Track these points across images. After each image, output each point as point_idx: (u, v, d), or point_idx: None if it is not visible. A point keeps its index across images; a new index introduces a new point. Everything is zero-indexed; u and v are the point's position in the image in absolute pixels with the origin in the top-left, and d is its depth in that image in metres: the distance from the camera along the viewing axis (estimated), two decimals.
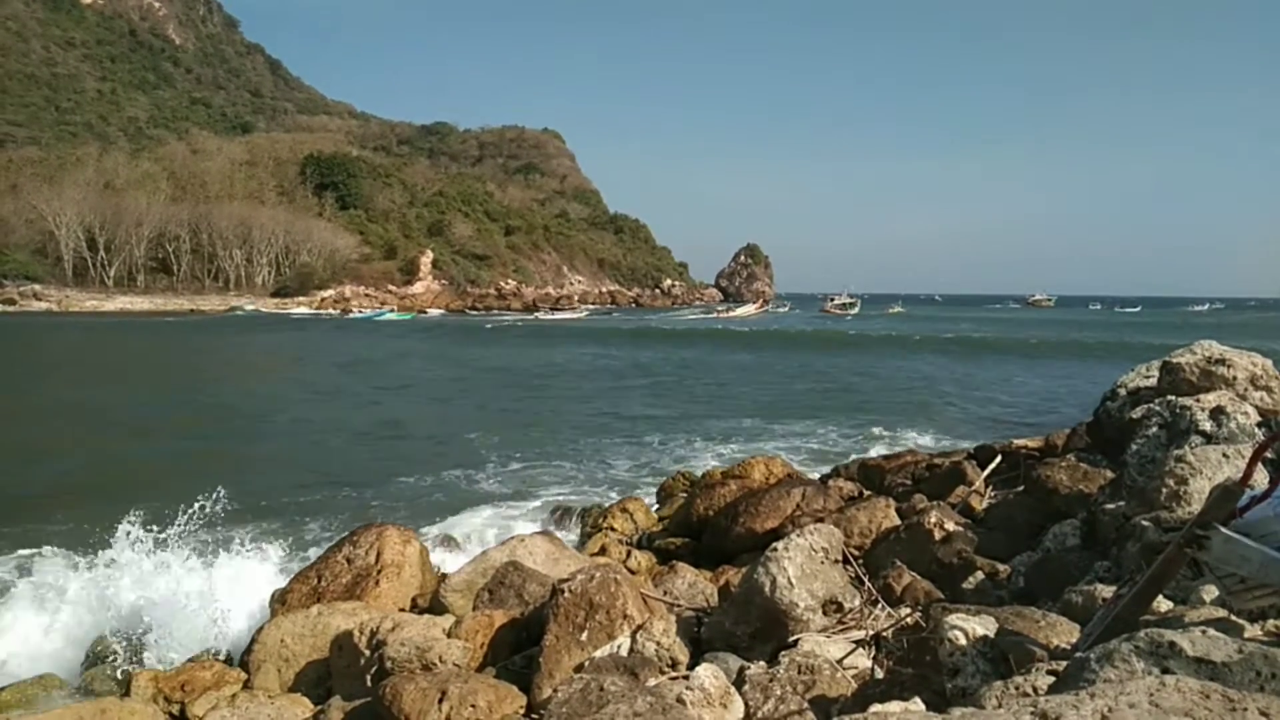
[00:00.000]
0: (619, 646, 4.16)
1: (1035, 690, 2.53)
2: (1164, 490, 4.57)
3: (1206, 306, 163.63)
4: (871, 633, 4.10)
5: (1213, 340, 7.09)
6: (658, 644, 4.13)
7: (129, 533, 8.95)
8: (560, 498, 12.33)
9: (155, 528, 10.76)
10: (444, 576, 6.86)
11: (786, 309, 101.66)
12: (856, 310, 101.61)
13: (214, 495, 12.46)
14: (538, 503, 12.15)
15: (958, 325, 72.31)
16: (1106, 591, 3.72)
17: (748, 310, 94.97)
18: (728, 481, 9.60)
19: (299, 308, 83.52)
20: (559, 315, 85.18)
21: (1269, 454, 3.66)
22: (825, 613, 4.40)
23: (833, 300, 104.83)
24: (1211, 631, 2.34)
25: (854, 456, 13.74)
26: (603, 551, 8.34)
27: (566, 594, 4.41)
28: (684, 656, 4.18)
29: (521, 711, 4.03)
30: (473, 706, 3.88)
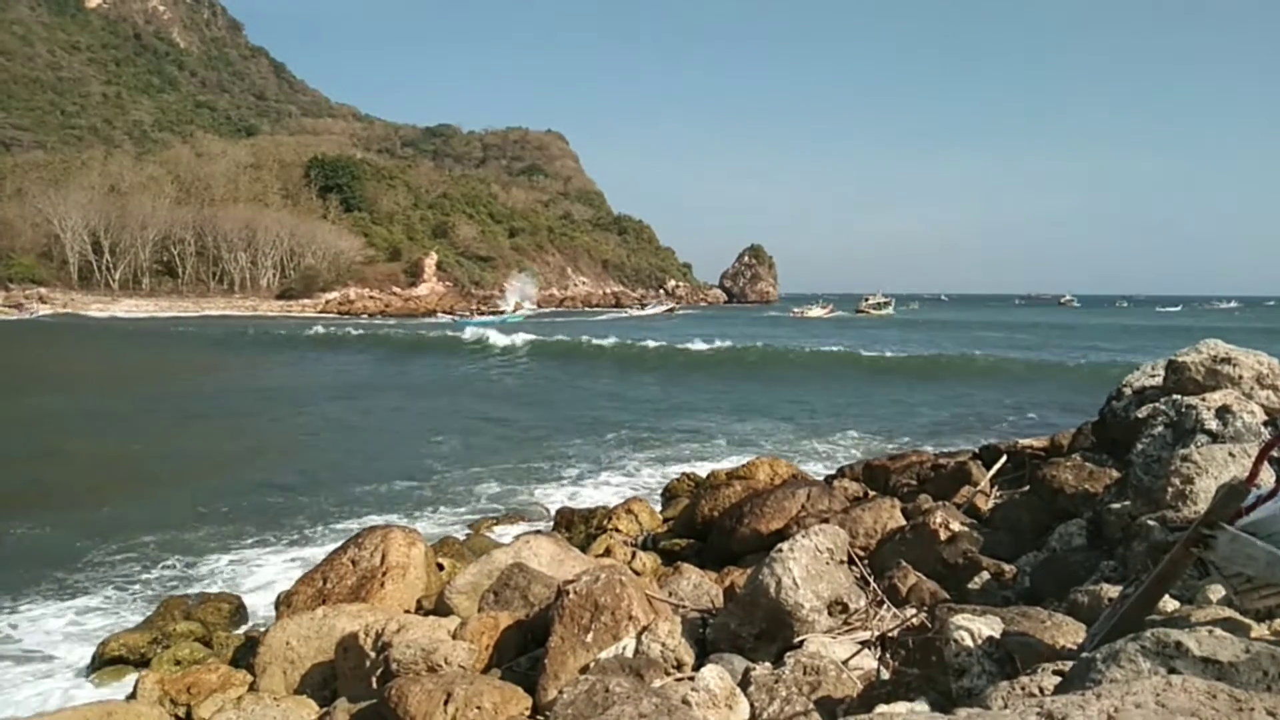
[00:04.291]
0: (624, 648, 4.16)
1: (1041, 690, 2.53)
2: (1170, 489, 4.56)
3: (1233, 304, 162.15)
4: (877, 633, 4.09)
5: (1219, 340, 7.06)
6: (663, 645, 4.12)
7: (142, 531, 8.98)
8: (565, 500, 12.35)
9: (166, 528, 10.83)
10: (449, 578, 6.86)
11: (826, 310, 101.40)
12: (890, 310, 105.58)
13: (219, 498, 12.53)
14: (543, 504, 12.16)
15: (1038, 336, 60.51)
16: (1112, 591, 3.70)
17: (819, 312, 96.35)
18: (732, 482, 9.60)
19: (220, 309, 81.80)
20: (648, 311, 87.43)
21: (1275, 453, 3.65)
22: (831, 613, 4.40)
23: (867, 300, 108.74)
24: (1218, 631, 2.34)
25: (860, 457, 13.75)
26: (608, 553, 8.34)
27: (571, 595, 4.41)
28: (689, 658, 4.18)
29: (527, 713, 4.03)
30: (478, 708, 3.88)
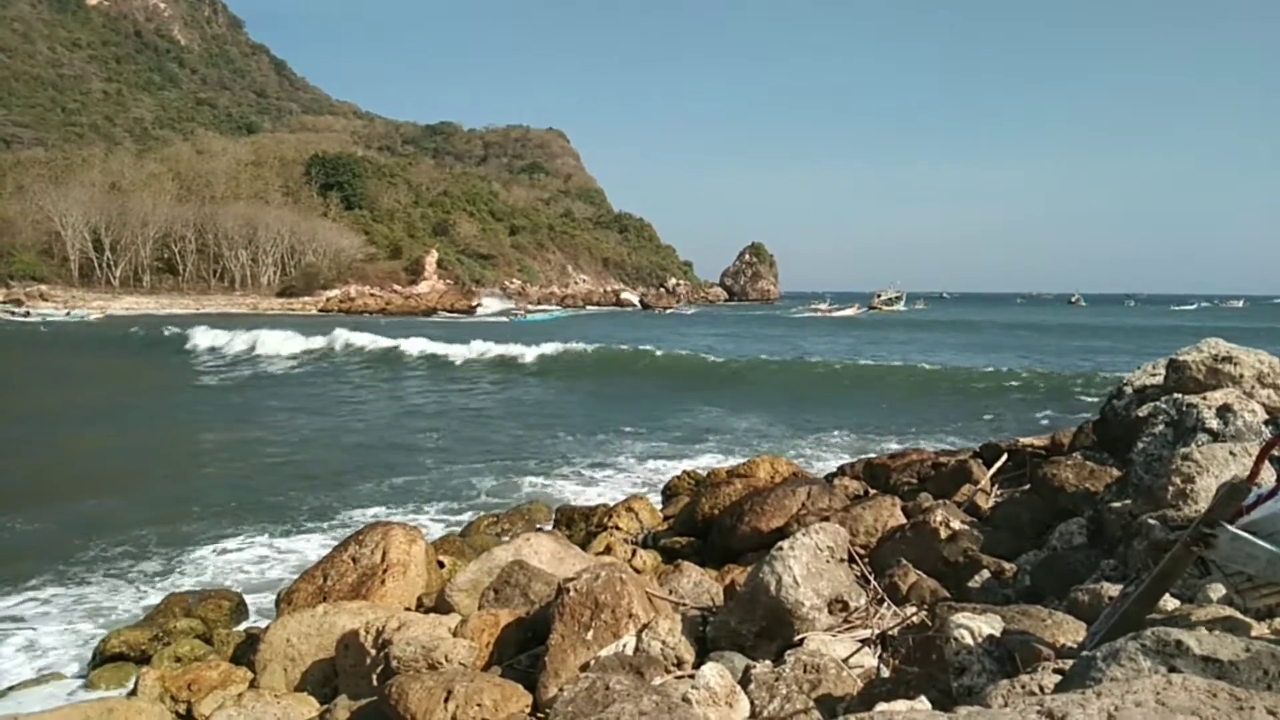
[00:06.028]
0: (624, 645, 4.16)
1: (1041, 689, 2.53)
2: (1170, 488, 4.56)
3: (1240, 302, 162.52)
4: (877, 631, 4.09)
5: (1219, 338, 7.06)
6: (663, 643, 4.12)
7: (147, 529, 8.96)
8: (566, 497, 12.35)
9: (165, 525, 10.82)
10: (450, 576, 6.87)
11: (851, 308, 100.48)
12: (901, 305, 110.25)
13: (219, 495, 12.52)
14: (543, 502, 12.16)
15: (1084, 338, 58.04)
16: (1113, 590, 3.70)
17: (850, 311, 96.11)
18: (733, 480, 9.59)
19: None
20: (668, 311, 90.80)
21: (1276, 452, 3.65)
22: (831, 611, 4.40)
23: (879, 296, 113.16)
24: (1218, 630, 2.34)
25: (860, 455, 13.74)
26: (608, 551, 8.34)
27: (572, 593, 4.41)
28: (689, 655, 4.18)
29: (527, 710, 4.03)
30: (478, 705, 3.88)
